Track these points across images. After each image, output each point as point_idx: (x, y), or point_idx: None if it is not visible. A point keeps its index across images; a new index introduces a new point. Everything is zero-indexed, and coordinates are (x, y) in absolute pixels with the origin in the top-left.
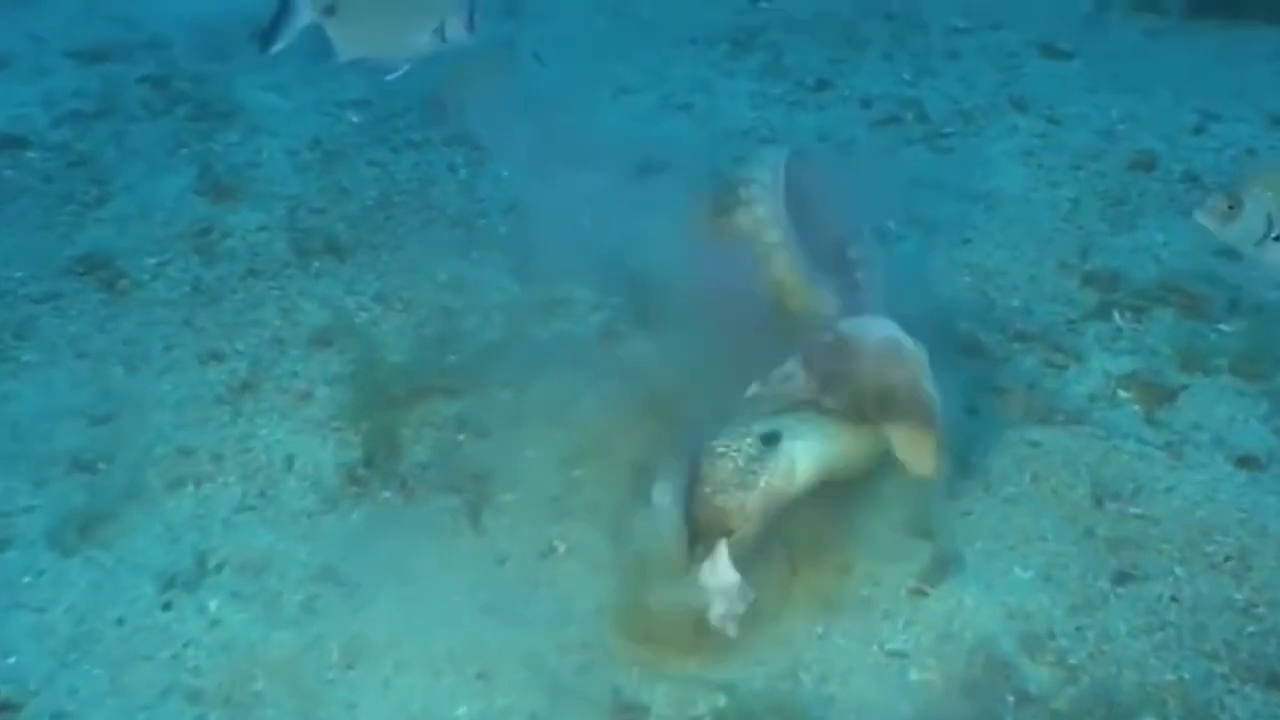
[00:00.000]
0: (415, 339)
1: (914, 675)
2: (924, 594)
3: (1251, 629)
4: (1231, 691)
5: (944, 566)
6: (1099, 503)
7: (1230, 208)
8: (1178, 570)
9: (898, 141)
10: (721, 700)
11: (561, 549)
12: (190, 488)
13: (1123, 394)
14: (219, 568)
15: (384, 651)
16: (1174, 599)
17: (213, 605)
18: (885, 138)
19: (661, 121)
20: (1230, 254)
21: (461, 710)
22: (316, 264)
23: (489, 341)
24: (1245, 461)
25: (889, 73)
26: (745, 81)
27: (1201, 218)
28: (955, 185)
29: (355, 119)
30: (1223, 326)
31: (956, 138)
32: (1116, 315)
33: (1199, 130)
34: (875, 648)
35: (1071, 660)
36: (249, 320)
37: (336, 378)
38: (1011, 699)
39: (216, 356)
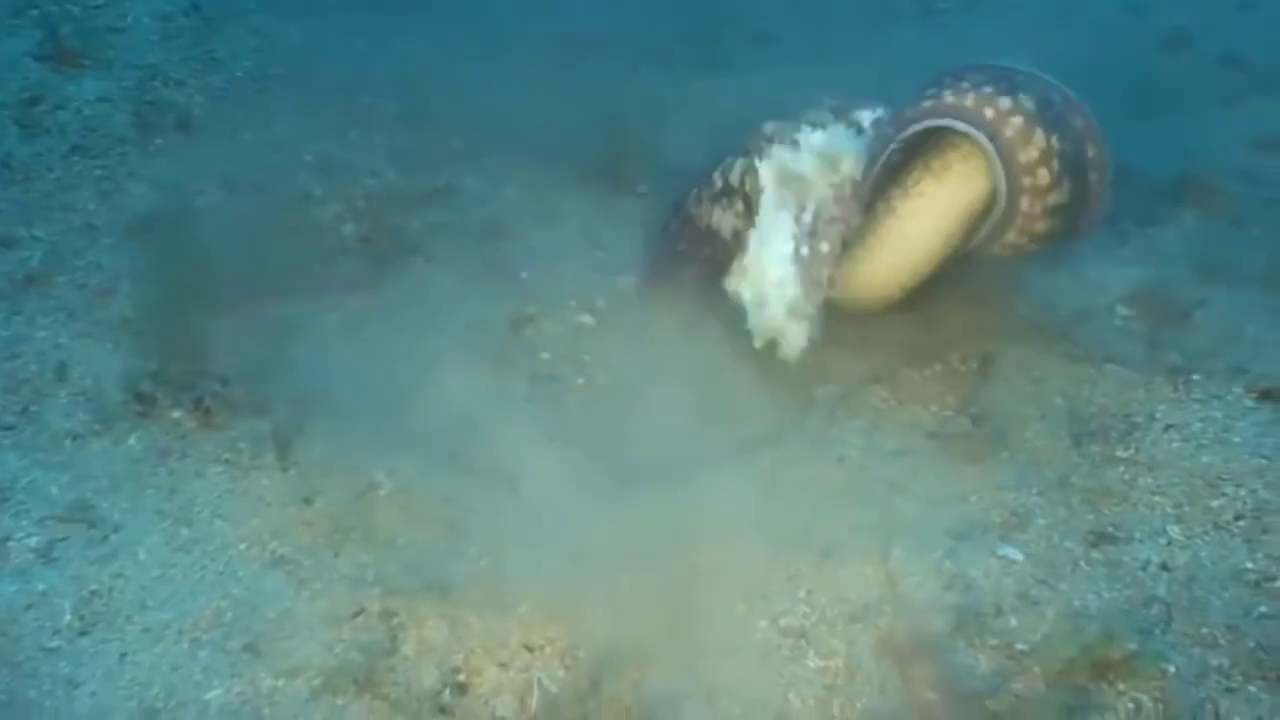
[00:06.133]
0: (257, 229)
1: (812, 663)
2: (829, 559)
3: (1263, 608)
4: (1230, 690)
5: (866, 522)
6: (1079, 442)
7: None
8: (1173, 530)
9: (883, 17)
10: None
11: (385, 488)
12: None
13: (1122, 310)
14: None
15: (131, 614)
16: (1164, 567)
17: None
18: (868, 12)
19: None
20: (1271, 146)
21: (214, 693)
22: (159, 141)
23: (345, 234)
24: (1270, 395)
25: None
26: None
27: None
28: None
29: None
30: (1255, 230)
31: (953, 14)
32: (1125, 219)
33: (1244, 6)
34: (765, 622)
35: (1020, 646)
36: (58, 204)
37: (148, 273)
38: (935, 697)
39: (6, 243)
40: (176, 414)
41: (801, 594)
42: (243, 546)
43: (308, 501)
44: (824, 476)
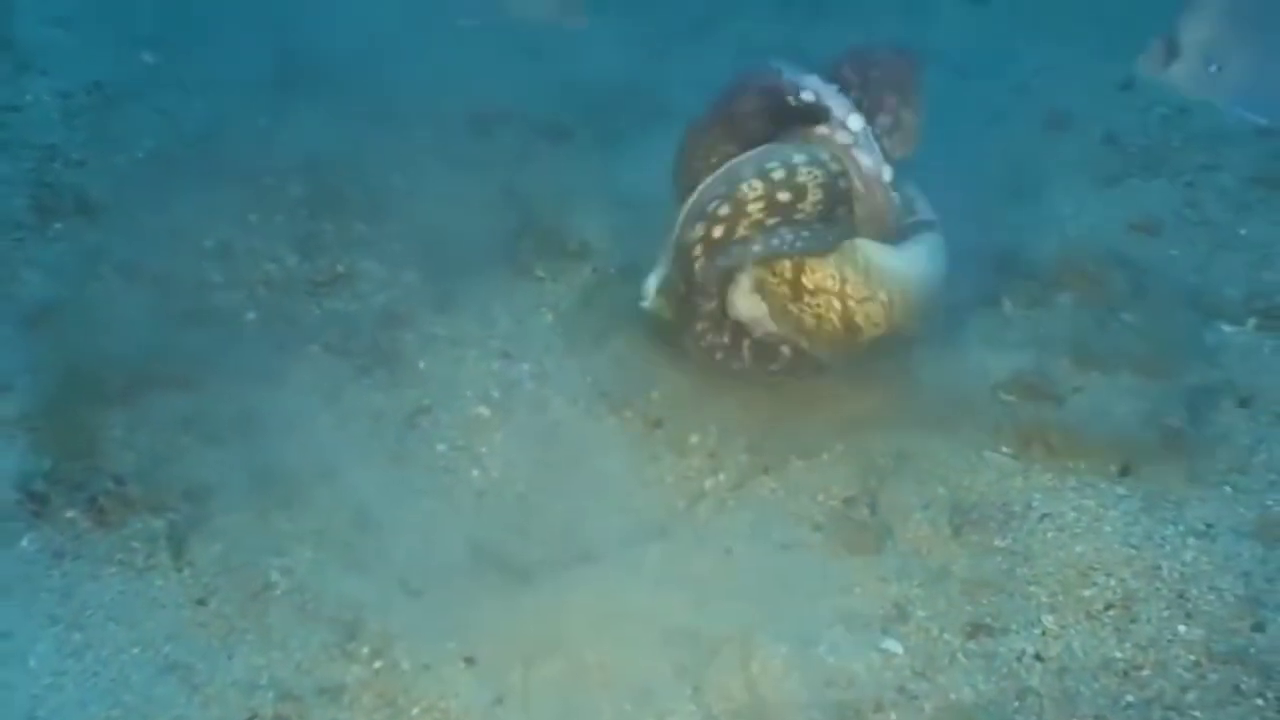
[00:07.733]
0: (156, 318)
1: None
2: (715, 655)
3: (1130, 698)
4: None
5: (752, 617)
6: (958, 532)
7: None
8: (1047, 620)
9: None
10: None
11: (280, 587)
12: None
13: (1003, 395)
14: None
15: None
16: (1038, 658)
17: None
18: None
19: (501, 67)
20: (1147, 229)
21: None
22: (58, 226)
23: (245, 322)
24: (1128, 470)
25: (777, 16)
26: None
27: (1142, 66)
28: None
29: (150, 59)
30: (1129, 314)
31: None
32: (1007, 302)
33: (1127, 86)
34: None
35: None
36: None
37: (44, 365)
38: None
39: None
40: (70, 513)
41: (688, 691)
42: (136, 651)
43: (202, 603)
44: (712, 570)
